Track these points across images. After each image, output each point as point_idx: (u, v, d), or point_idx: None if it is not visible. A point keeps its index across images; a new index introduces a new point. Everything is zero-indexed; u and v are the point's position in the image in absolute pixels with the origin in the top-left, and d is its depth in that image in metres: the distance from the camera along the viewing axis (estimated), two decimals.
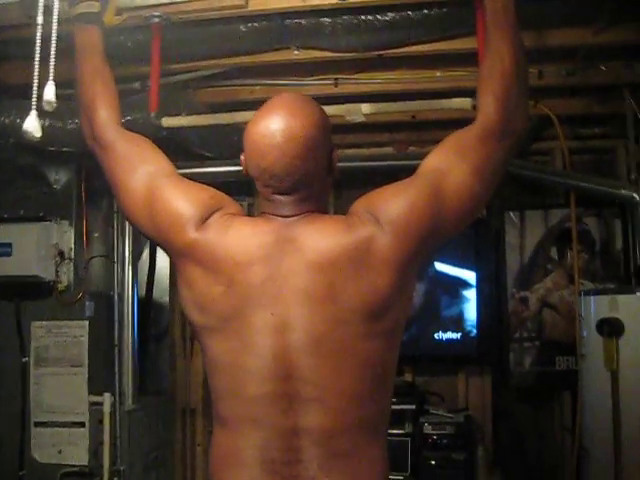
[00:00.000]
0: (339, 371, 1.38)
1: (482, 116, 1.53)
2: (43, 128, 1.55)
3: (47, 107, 1.46)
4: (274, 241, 1.41)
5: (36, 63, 1.45)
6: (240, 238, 1.43)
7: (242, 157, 1.49)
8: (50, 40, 1.50)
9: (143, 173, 1.56)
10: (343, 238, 1.40)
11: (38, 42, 1.47)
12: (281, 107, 1.45)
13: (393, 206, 1.42)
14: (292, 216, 1.44)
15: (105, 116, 1.69)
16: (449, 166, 1.47)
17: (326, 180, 1.50)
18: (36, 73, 1.44)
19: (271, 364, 1.37)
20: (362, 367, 1.39)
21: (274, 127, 1.41)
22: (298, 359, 1.37)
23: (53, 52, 1.49)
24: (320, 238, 1.41)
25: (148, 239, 1.63)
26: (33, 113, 1.47)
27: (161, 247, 1.58)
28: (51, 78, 1.44)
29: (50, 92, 1.44)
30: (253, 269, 1.40)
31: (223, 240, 1.43)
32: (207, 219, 1.46)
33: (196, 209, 1.47)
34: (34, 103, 1.46)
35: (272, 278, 1.39)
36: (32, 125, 1.48)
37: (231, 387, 1.43)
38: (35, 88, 1.45)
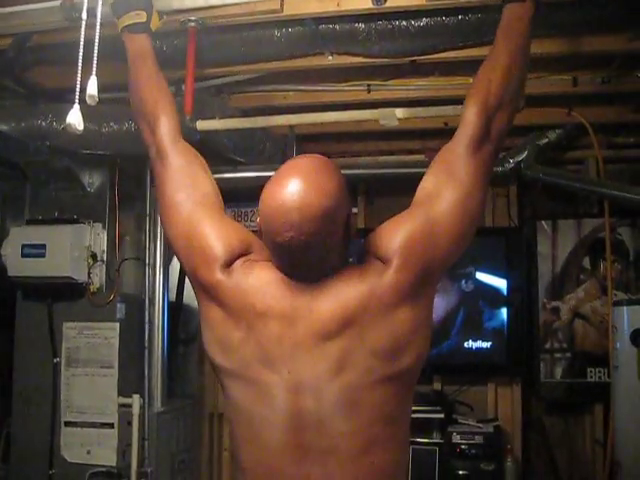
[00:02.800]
0: (353, 422, 1.38)
1: (464, 124, 1.55)
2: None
3: (90, 101, 1.49)
4: (291, 298, 1.42)
5: (80, 55, 1.47)
6: (260, 287, 1.44)
7: (258, 220, 1.45)
8: (90, 42, 1.52)
9: (190, 195, 1.59)
10: (357, 290, 1.40)
11: (82, 33, 1.49)
12: (297, 177, 1.38)
13: (393, 242, 1.43)
14: (307, 281, 1.43)
15: (167, 125, 1.71)
16: (440, 189, 1.49)
17: (342, 245, 1.45)
18: (79, 65, 1.46)
19: (285, 416, 1.39)
20: (377, 416, 1.39)
21: (290, 203, 1.35)
22: (312, 413, 1.38)
23: (96, 47, 1.51)
24: (336, 295, 1.40)
25: (179, 260, 1.64)
26: (76, 106, 1.49)
27: (188, 275, 1.59)
28: (94, 73, 1.46)
29: (93, 86, 1.47)
30: (271, 322, 1.41)
31: (244, 287, 1.45)
32: (232, 263, 1.48)
33: (225, 251, 1.49)
34: (77, 97, 1.48)
35: (289, 335, 1.40)
36: (75, 118, 1.50)
37: (248, 434, 1.45)
38: (78, 82, 1.47)
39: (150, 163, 1.75)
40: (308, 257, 1.40)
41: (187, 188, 1.60)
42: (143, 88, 1.78)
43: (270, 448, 1.40)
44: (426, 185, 1.52)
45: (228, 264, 1.47)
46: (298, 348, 1.39)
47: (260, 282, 1.44)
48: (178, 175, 1.63)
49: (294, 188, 1.36)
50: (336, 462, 1.37)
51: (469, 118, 1.54)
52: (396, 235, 1.44)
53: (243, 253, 1.49)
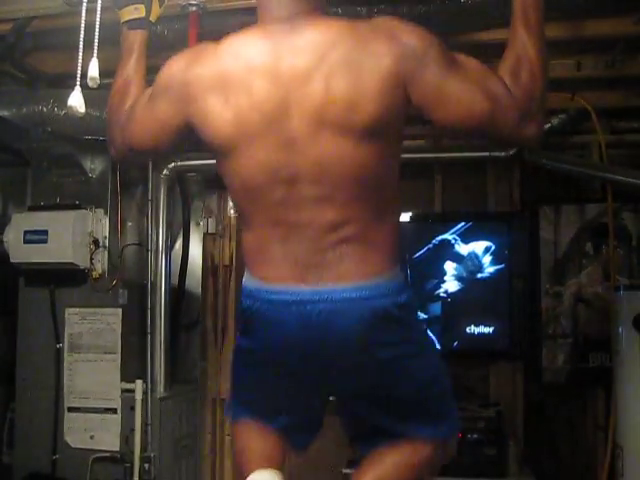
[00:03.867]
0: (343, 173, 1.47)
1: (514, 96, 1.49)
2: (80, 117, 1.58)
3: (91, 83, 1.49)
4: (272, 49, 1.48)
5: (81, 37, 1.47)
6: (235, 53, 1.51)
7: None
8: (91, 27, 1.52)
9: (145, 97, 1.66)
10: (344, 36, 1.45)
11: (83, 16, 1.49)
12: None
13: (414, 41, 1.44)
14: (289, 16, 1.49)
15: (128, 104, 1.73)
16: (483, 79, 1.47)
17: None
18: (80, 47, 1.45)
19: (281, 173, 1.48)
20: (364, 167, 1.47)
21: None
22: (305, 166, 1.47)
23: (97, 31, 1.51)
24: (316, 45, 1.45)
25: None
26: (77, 88, 1.50)
27: (198, 133, 1.60)
28: (95, 55, 1.45)
29: (94, 69, 1.46)
30: (255, 84, 1.47)
31: (216, 63, 1.52)
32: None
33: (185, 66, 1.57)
34: (78, 79, 1.48)
35: (274, 90, 1.46)
36: (76, 100, 1.50)
37: (249, 197, 1.56)
38: (79, 64, 1.46)
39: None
40: None
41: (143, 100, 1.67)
42: (116, 90, 1.77)
43: (270, 203, 1.52)
44: (479, 66, 1.51)
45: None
46: (284, 100, 1.45)
47: (233, 49, 1.52)
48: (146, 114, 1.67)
49: None
50: (331, 207, 1.49)
51: (517, 96, 1.49)
52: (424, 41, 1.45)
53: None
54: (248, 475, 1.62)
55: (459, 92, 1.46)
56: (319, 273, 1.50)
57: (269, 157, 1.48)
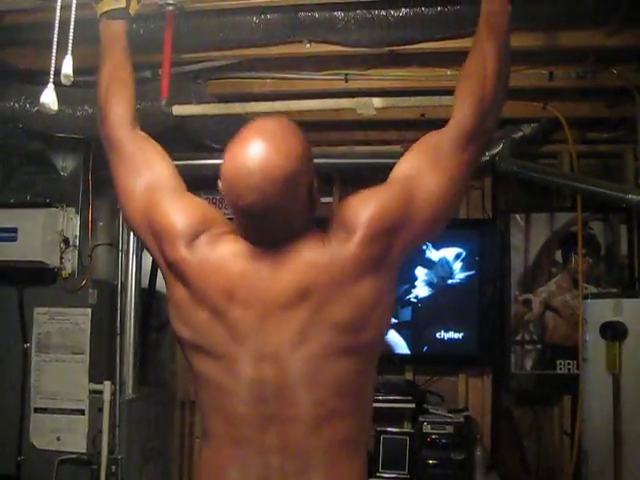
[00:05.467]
0: (314, 393, 1.39)
1: (458, 118, 1.52)
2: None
3: (65, 81, 1.47)
4: (254, 270, 1.41)
5: (55, 35, 1.45)
6: (224, 261, 1.43)
7: (219, 184, 1.40)
8: (65, 23, 1.50)
9: (145, 180, 1.56)
10: (318, 260, 1.39)
11: (58, 11, 1.47)
12: (260, 139, 1.34)
13: (361, 213, 1.41)
14: (270, 249, 1.42)
15: (118, 115, 1.68)
16: (422, 173, 1.47)
17: (306, 212, 1.43)
18: (54, 45, 1.44)
19: (249, 386, 1.40)
20: (338, 388, 1.40)
21: (252, 165, 1.31)
22: (275, 383, 1.39)
23: (72, 28, 1.49)
24: (297, 263, 1.39)
25: (145, 247, 1.62)
26: (50, 86, 1.48)
27: (154, 258, 1.57)
28: (69, 53, 1.44)
29: (68, 66, 1.45)
30: (235, 297, 1.40)
31: (208, 262, 1.43)
32: (196, 239, 1.45)
33: (188, 226, 1.46)
34: (52, 76, 1.46)
35: (253, 307, 1.40)
36: (49, 98, 1.48)
37: (214, 405, 1.46)
38: (53, 60, 1.45)
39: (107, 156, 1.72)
40: (271, 222, 1.38)
41: (141, 172, 1.57)
42: (103, 79, 1.75)
43: (234, 417, 1.41)
44: (405, 165, 1.50)
45: (191, 240, 1.45)
46: (262, 319, 1.39)
47: (223, 255, 1.43)
48: (131, 160, 1.60)
49: (256, 150, 1.32)
50: (297, 431, 1.38)
51: (464, 110, 1.52)
52: (365, 207, 1.42)
53: (207, 228, 1.47)
54: None
55: (426, 200, 1.46)
56: None
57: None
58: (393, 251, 1.43)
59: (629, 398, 2.46)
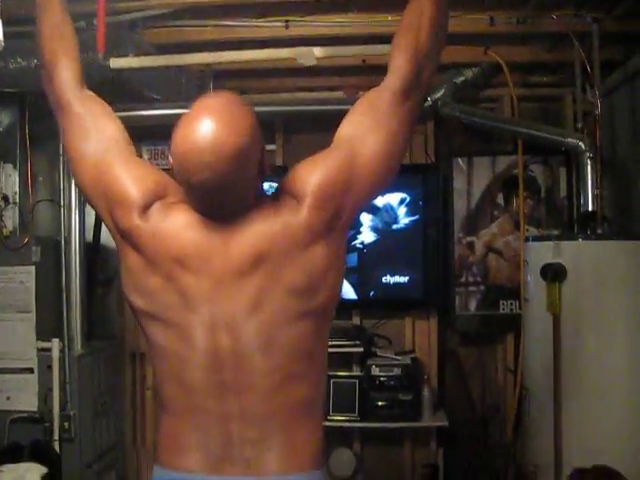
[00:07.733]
0: (270, 359, 1.41)
1: (395, 73, 1.52)
2: None
3: None
4: (207, 239, 1.42)
5: None
6: (177, 230, 1.43)
7: (170, 160, 1.42)
8: None
9: (96, 145, 1.53)
10: (270, 228, 1.41)
11: None
12: (208, 116, 1.35)
13: (309, 180, 1.42)
14: (222, 220, 1.42)
15: (64, 76, 1.62)
16: (364, 134, 1.48)
17: (257, 182, 1.45)
18: None
19: (204, 354, 1.41)
20: (294, 353, 1.42)
21: (202, 143, 1.33)
22: (230, 351, 1.40)
23: None
24: (250, 232, 1.41)
25: (96, 212, 1.59)
26: None
27: (106, 224, 1.55)
28: None
29: None
30: (188, 265, 1.41)
31: (161, 231, 1.43)
32: (149, 207, 1.45)
33: (141, 195, 1.45)
34: None
35: (206, 276, 1.40)
36: None
37: (171, 374, 1.46)
38: None
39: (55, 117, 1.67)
40: (223, 196, 1.39)
41: (91, 136, 1.54)
42: (44, 37, 1.68)
43: (190, 386, 1.43)
44: (348, 127, 1.51)
45: (145, 208, 1.44)
46: (215, 288, 1.40)
47: (176, 225, 1.43)
48: (80, 124, 1.56)
49: (206, 128, 1.33)
50: (254, 398, 1.41)
51: (399, 65, 1.51)
52: (312, 174, 1.44)
53: (159, 196, 1.46)
54: None
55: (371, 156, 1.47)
56: (240, 465, 1.40)
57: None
58: (343, 214, 1.45)
59: (568, 336, 2.55)
